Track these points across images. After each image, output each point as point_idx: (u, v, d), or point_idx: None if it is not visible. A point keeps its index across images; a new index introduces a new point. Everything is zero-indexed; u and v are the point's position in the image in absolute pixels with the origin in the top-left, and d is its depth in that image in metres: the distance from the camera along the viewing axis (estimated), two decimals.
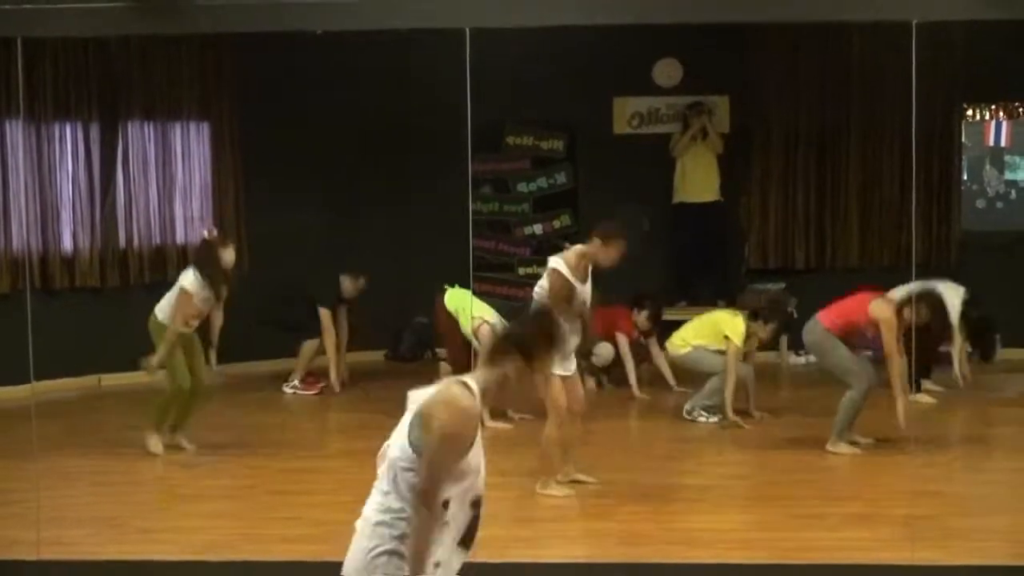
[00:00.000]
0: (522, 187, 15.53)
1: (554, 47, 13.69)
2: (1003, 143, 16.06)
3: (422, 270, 13.68)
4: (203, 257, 10.91)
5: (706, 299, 14.90)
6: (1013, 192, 16.18)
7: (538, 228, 15.45)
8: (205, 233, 11.16)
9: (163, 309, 10.76)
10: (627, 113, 15.44)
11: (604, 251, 9.43)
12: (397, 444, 4.43)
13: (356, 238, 14.47)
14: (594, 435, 10.88)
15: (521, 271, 15.14)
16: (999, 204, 16.17)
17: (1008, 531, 8.62)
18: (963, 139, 15.53)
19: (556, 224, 15.55)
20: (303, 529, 8.72)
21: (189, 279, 10.68)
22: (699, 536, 8.50)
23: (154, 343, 10.76)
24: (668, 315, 14.77)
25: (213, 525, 8.91)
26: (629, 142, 15.38)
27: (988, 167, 16.15)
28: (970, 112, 15.58)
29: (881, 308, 10.45)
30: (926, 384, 12.57)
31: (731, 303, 14.65)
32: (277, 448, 10.96)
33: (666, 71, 15.39)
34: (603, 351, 13.15)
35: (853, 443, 10.65)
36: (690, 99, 15.13)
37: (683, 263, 15.26)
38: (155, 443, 10.76)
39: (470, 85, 9.27)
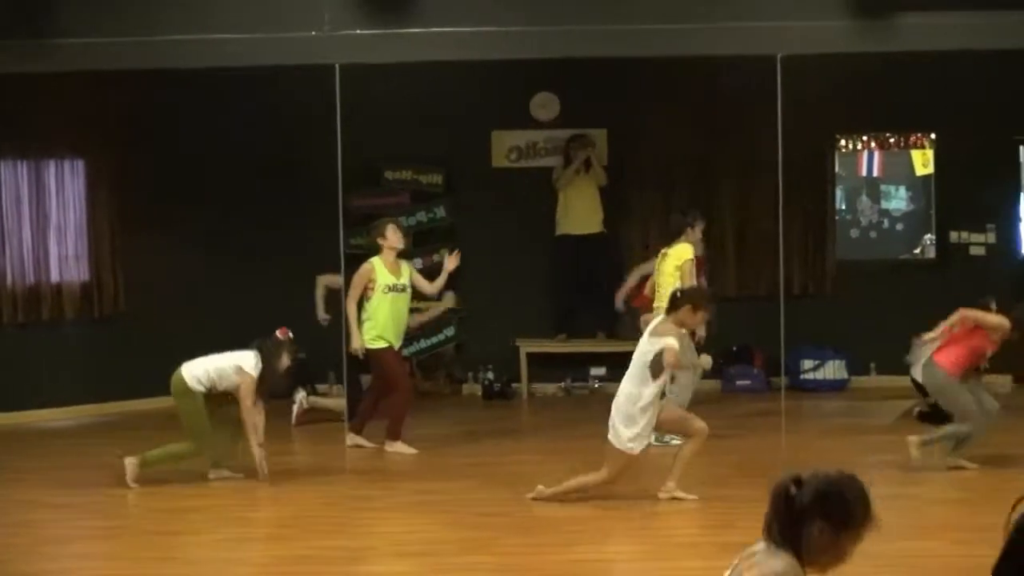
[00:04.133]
0: (401, 222, 15.47)
1: (432, 82, 13.75)
2: (875, 173, 16.29)
3: (300, 305, 13.63)
4: (270, 353, 10.74)
5: (587, 331, 15.02)
6: (886, 221, 16.42)
7: (418, 263, 15.36)
8: (279, 333, 10.95)
9: (197, 376, 10.63)
10: (505, 147, 15.49)
11: (692, 317, 9.82)
12: None
13: (232, 276, 14.38)
14: None
15: None
16: (872, 234, 16.40)
17: None
18: (837, 169, 15.74)
19: (436, 258, 15.50)
20: (177, 569, 8.64)
21: (251, 363, 10.60)
22: None
23: (176, 402, 10.74)
24: (548, 348, 14.88)
25: (81, 567, 8.78)
26: (508, 175, 15.42)
27: (863, 197, 16.37)
28: (843, 143, 15.81)
29: (993, 317, 10.91)
30: None
31: (611, 335, 14.77)
32: (157, 486, 10.82)
33: (543, 105, 15.46)
34: None
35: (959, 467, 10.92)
36: (568, 132, 15.21)
37: (564, 295, 15.30)
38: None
39: (340, 120, 9.36)
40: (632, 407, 9.66)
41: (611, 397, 10.01)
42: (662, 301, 11.23)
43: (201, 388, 10.59)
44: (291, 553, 8.88)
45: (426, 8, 10.37)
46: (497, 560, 8.62)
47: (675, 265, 12.01)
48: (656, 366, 9.56)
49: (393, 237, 12.13)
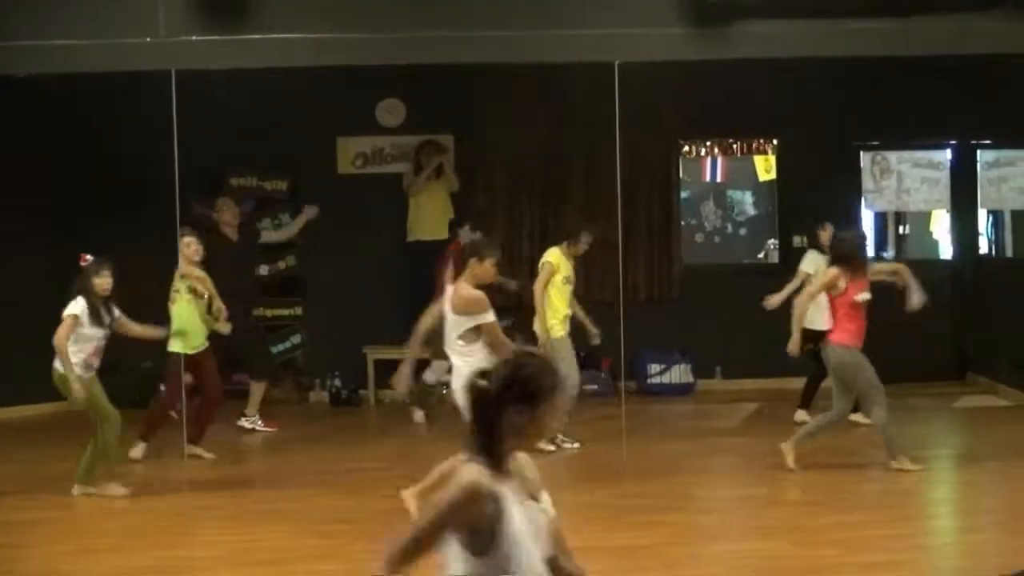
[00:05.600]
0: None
1: (276, 88, 13.65)
2: (719, 178, 16.48)
3: (146, 313, 13.43)
4: (82, 285, 10.52)
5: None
6: (730, 226, 16.61)
7: (263, 269, 15.28)
8: (80, 263, 10.73)
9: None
10: (351, 153, 15.46)
11: (481, 268, 9.48)
12: None
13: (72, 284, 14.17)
14: None
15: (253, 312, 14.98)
16: (717, 238, 16.58)
17: None
18: (681, 175, 15.90)
19: (282, 265, 15.45)
20: None
21: (72, 305, 10.38)
22: None
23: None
24: (396, 354, 14.81)
25: None
26: (354, 181, 15.38)
27: (708, 202, 16.54)
28: (687, 148, 15.98)
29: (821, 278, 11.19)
30: None
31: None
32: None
33: (389, 111, 15.44)
34: None
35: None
36: (414, 138, 15.21)
37: (416, 301, 15.21)
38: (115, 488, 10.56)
39: (179, 126, 9.26)
40: None
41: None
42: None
43: (78, 369, 10.36)
44: (133, 564, 8.76)
45: (266, 14, 10.29)
46: (345, 567, 8.58)
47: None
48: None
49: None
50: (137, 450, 12.02)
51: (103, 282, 10.47)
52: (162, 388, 12.83)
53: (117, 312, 10.66)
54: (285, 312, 15.48)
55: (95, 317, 10.43)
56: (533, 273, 14.62)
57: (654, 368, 15.43)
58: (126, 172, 14.39)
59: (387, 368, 15.01)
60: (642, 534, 9.19)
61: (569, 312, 12.32)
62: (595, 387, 15.26)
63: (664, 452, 12.09)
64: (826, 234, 12.85)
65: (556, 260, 12.27)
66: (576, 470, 11.24)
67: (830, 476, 10.88)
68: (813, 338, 11.85)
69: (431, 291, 14.94)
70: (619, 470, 10.80)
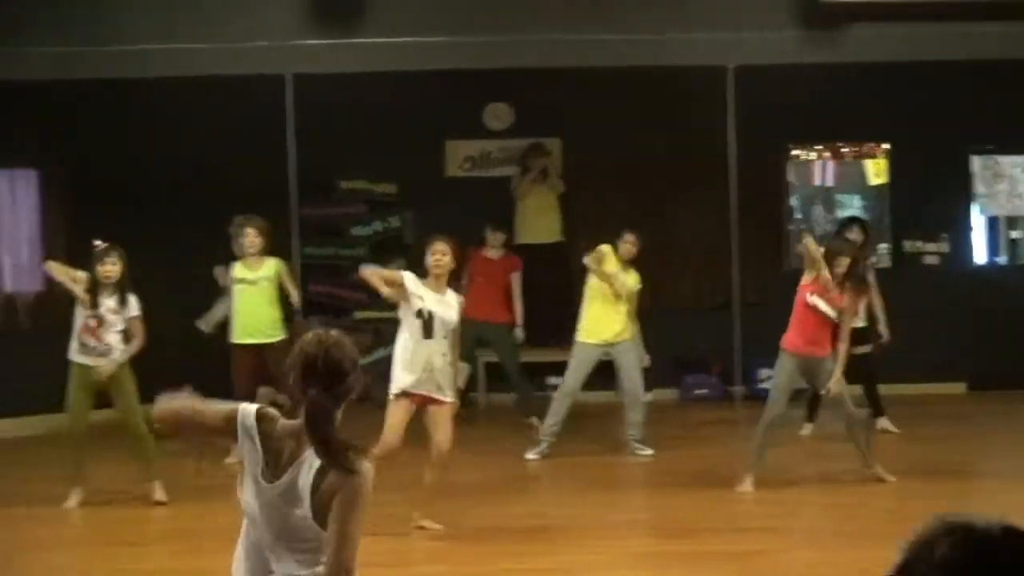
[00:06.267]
0: (357, 231, 15.48)
1: (386, 92, 13.72)
2: (829, 182, 16.35)
3: None
4: (91, 268, 10.64)
5: (543, 340, 14.98)
6: None
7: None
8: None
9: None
10: (459, 156, 15.50)
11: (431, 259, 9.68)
12: None
13: (185, 285, 14.32)
14: None
15: (358, 315, 15.04)
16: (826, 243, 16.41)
17: None
18: (791, 179, 15.80)
19: (392, 268, 15.50)
20: None
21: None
22: None
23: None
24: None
25: None
26: (462, 185, 15.42)
27: (818, 206, 16.41)
28: (797, 152, 15.87)
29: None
30: None
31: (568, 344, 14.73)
32: None
33: (496, 114, 15.47)
34: None
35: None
36: (521, 142, 15.23)
37: (524, 303, 15.20)
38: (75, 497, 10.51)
39: (294, 130, 9.35)
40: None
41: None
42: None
43: (74, 343, 10.51)
44: None
45: (378, 19, 10.40)
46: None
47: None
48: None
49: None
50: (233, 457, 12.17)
51: (104, 269, 10.53)
52: None
53: (133, 301, 10.66)
54: (392, 315, 15.49)
55: (92, 299, 10.51)
56: (642, 278, 14.73)
57: (764, 372, 15.32)
58: (236, 174, 14.53)
59: (497, 371, 15.08)
60: (754, 539, 9.14)
61: (616, 322, 12.25)
62: (705, 391, 15.21)
63: (775, 455, 11.98)
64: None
65: (607, 250, 12.20)
66: (690, 475, 11.17)
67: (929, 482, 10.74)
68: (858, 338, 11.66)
69: (540, 293, 15.03)
70: (729, 476, 10.72)
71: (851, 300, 10.70)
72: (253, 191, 14.10)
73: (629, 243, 12.19)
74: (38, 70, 10.49)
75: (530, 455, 12.11)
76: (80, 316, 10.57)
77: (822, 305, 10.51)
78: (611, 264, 12.15)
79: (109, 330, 10.53)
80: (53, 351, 10.80)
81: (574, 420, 12.38)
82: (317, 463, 4.24)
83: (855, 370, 12.01)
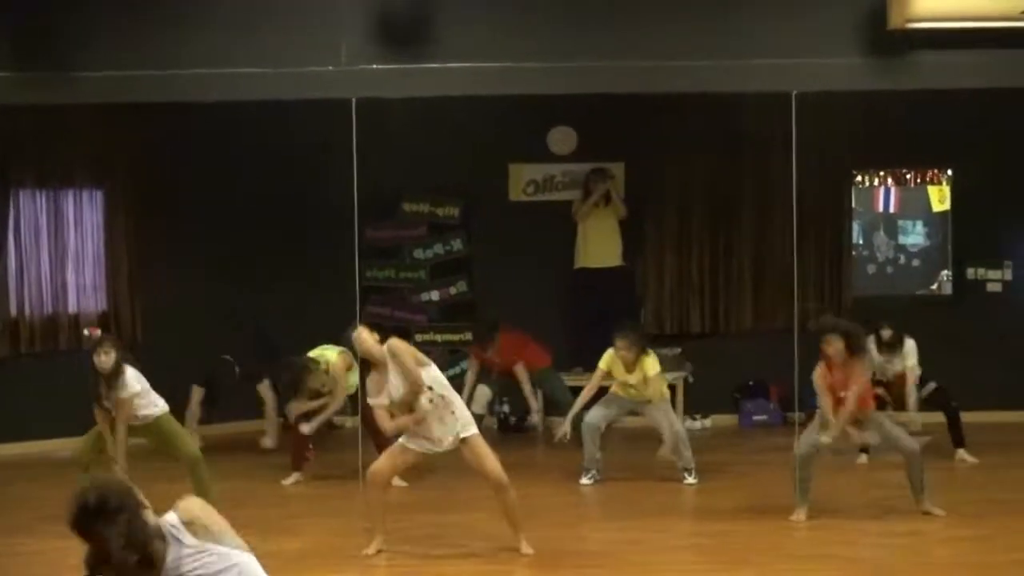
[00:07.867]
0: (418, 254, 15.56)
1: (450, 115, 13.78)
2: (892, 209, 16.28)
3: (317, 335, 13.60)
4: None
5: None
6: (902, 257, 16.38)
7: (435, 295, 15.48)
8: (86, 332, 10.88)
9: None
10: (522, 180, 15.55)
11: None
12: None
13: (249, 306, 14.41)
14: None
15: (419, 337, 15.08)
16: (889, 269, 16.37)
17: None
18: (853, 204, 15.76)
19: (452, 291, 15.58)
20: None
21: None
22: None
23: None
24: (564, 381, 14.80)
25: None
26: (525, 209, 15.47)
27: (880, 232, 16.35)
28: (860, 178, 15.83)
29: None
30: None
31: None
32: None
33: (560, 138, 15.51)
34: None
35: None
36: (585, 166, 15.26)
37: (581, 329, 15.24)
38: None
39: (357, 153, 9.42)
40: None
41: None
42: None
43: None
44: None
45: (443, 43, 10.43)
46: None
47: None
48: None
49: None
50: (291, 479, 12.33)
51: (99, 360, 10.44)
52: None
53: (128, 381, 10.46)
54: (455, 338, 15.57)
55: (95, 391, 10.53)
56: (703, 303, 14.80)
57: None
58: (301, 197, 14.65)
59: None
60: (809, 568, 9.11)
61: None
62: (764, 417, 15.17)
63: (831, 484, 11.91)
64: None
65: (610, 359, 12.32)
66: (747, 500, 11.15)
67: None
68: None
69: (599, 318, 15.03)
70: (787, 503, 10.69)
71: (857, 371, 10.75)
72: (318, 213, 14.21)
73: (622, 349, 12.15)
74: (104, 93, 10.59)
75: (584, 480, 12.14)
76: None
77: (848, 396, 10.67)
78: (618, 371, 12.19)
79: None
80: None
81: (626, 442, 12.39)
82: None
83: (934, 404, 12.19)
